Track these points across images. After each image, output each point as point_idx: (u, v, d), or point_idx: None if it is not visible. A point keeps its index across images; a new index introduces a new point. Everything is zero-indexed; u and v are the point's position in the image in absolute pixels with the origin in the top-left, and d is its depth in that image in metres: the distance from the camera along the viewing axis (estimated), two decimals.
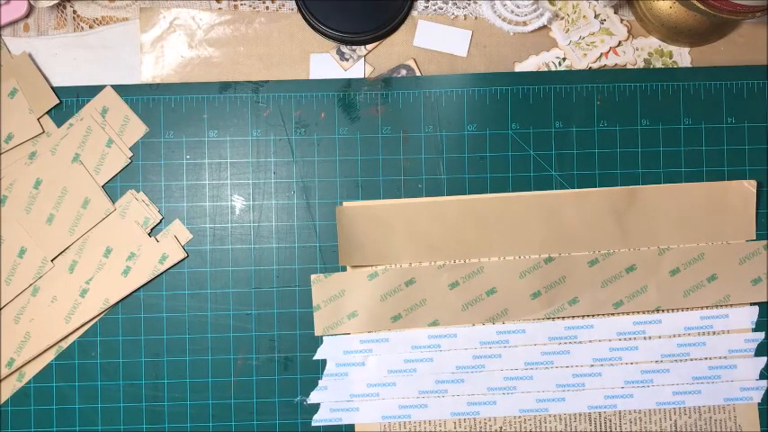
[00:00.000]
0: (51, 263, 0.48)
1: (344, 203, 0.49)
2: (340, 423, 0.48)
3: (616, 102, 0.50)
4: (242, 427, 0.48)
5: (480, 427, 0.48)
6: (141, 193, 0.49)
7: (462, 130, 0.49)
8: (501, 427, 0.48)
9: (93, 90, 0.49)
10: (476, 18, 0.50)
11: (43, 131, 0.49)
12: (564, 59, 0.50)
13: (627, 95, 0.50)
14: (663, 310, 0.49)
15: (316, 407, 0.49)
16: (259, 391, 0.49)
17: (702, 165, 0.50)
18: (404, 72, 0.50)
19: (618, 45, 0.50)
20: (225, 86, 0.49)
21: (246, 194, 0.49)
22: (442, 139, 0.49)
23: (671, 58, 0.50)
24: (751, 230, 0.49)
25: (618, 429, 0.49)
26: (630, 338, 0.49)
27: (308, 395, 0.49)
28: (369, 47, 0.50)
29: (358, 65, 0.50)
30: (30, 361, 0.48)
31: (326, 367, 0.48)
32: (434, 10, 0.50)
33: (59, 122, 0.49)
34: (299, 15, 0.50)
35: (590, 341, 0.49)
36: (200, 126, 0.49)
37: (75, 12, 0.50)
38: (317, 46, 0.50)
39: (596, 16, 0.50)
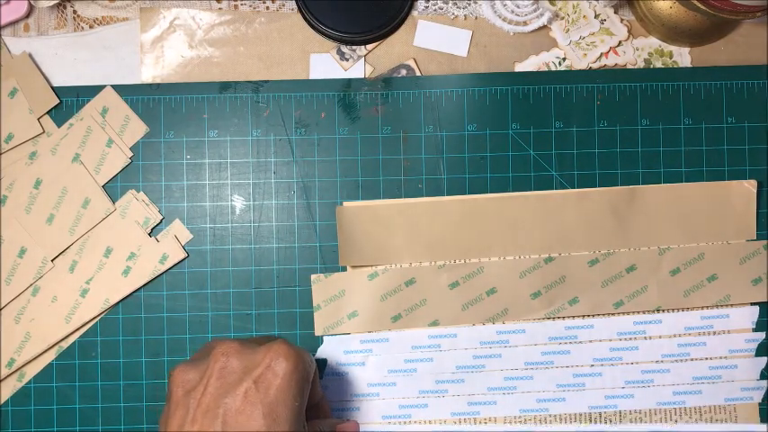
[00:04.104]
0: (51, 263, 0.48)
1: (344, 203, 0.49)
2: None
3: (616, 102, 0.50)
4: None
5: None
6: (141, 193, 0.49)
7: (462, 130, 0.49)
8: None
9: (94, 90, 0.49)
10: (476, 18, 0.50)
11: (43, 131, 0.49)
12: (564, 59, 0.50)
13: (627, 95, 0.50)
14: (663, 310, 0.49)
15: None
16: None
17: (702, 165, 0.50)
18: (404, 72, 0.50)
19: (618, 45, 0.50)
20: (225, 86, 0.49)
21: (246, 194, 0.49)
22: (442, 139, 0.49)
23: (671, 58, 0.50)
24: (751, 230, 0.49)
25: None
26: (631, 338, 0.49)
27: None
28: (369, 47, 0.50)
29: (358, 65, 0.50)
30: (30, 361, 0.48)
31: (326, 367, 0.48)
32: (434, 10, 0.50)
33: (59, 122, 0.49)
34: (299, 15, 0.50)
35: (590, 341, 0.49)
36: (201, 126, 0.49)
37: (75, 12, 0.50)
38: (317, 46, 0.50)
39: (596, 16, 0.50)
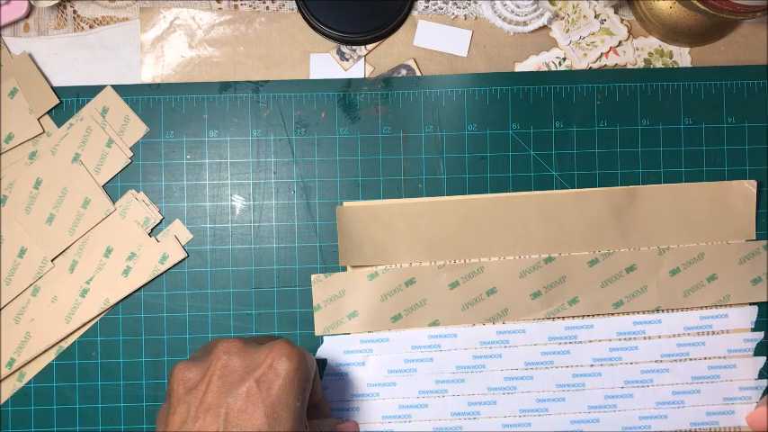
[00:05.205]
0: (51, 263, 0.48)
1: (344, 203, 0.49)
2: None
3: (616, 102, 0.50)
4: None
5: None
6: (141, 193, 0.49)
7: (462, 130, 0.49)
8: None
9: (94, 90, 0.49)
10: (476, 18, 0.50)
11: (43, 131, 0.49)
12: (564, 59, 0.50)
13: (627, 95, 0.50)
14: (663, 310, 0.49)
15: None
16: None
17: (702, 165, 0.50)
18: (404, 72, 0.50)
19: (618, 45, 0.50)
20: (225, 86, 0.49)
21: (246, 194, 0.49)
22: (442, 139, 0.49)
23: (671, 58, 0.51)
24: (751, 230, 0.49)
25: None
26: (630, 338, 0.49)
27: None
28: (369, 47, 0.50)
29: (358, 65, 0.50)
30: (30, 361, 0.48)
31: (326, 367, 0.48)
32: (434, 10, 0.50)
33: (59, 122, 0.49)
34: (299, 15, 0.50)
35: (590, 341, 0.49)
36: (201, 126, 0.49)
37: (75, 12, 0.50)
38: (317, 46, 0.50)
39: (596, 16, 0.50)
